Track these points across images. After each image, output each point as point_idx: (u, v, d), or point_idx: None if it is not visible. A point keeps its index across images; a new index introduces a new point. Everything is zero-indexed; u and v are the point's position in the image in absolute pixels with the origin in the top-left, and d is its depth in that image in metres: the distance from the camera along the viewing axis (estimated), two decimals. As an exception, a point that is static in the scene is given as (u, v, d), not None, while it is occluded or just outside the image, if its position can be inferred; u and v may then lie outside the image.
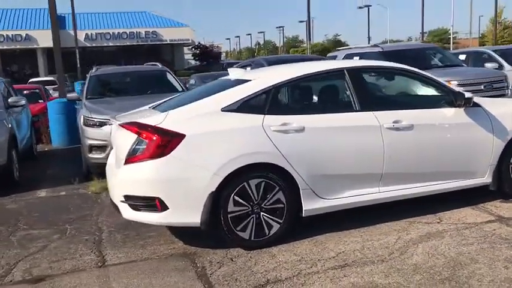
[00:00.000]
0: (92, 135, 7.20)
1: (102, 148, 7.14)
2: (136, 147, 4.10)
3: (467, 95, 4.71)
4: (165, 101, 5.25)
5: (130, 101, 7.98)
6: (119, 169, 4.29)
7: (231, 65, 18.36)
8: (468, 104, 4.69)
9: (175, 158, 3.99)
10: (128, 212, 4.19)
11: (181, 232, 4.60)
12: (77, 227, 5.17)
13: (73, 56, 29.77)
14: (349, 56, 11.56)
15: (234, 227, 4.11)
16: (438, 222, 4.62)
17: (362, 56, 11.02)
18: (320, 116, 4.41)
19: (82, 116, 7.42)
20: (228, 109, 4.23)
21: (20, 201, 6.36)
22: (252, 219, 4.15)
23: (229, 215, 4.08)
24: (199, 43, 48.35)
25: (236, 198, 4.08)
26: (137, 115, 4.62)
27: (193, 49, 48.39)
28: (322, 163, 4.30)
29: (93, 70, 8.89)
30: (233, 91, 4.38)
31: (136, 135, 4.10)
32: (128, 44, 41.38)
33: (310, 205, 4.31)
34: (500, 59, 11.47)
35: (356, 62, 5.28)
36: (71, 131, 9.96)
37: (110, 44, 41.74)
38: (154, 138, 4.01)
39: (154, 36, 41.72)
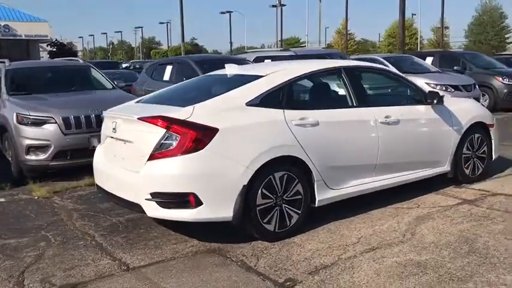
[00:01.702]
0: (30, 135, 6.53)
1: (43, 148, 6.53)
2: (165, 142, 3.94)
3: (441, 93, 5.36)
4: (152, 96, 5.08)
5: (65, 97, 7.46)
6: (137, 165, 4.06)
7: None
8: (441, 102, 5.34)
9: (210, 152, 3.92)
10: (154, 210, 3.99)
11: (186, 230, 4.49)
12: (58, 233, 4.71)
13: None
14: (259, 59, 11.94)
15: (261, 219, 4.16)
16: (418, 207, 5.16)
17: (273, 59, 11.47)
18: (330, 111, 4.68)
19: (14, 114, 6.66)
20: (251, 103, 4.27)
21: (-43, 211, 5.54)
22: (276, 211, 4.24)
23: (257, 208, 4.13)
24: (56, 40, 45.08)
25: (264, 191, 4.15)
26: (143, 109, 4.42)
27: (49, 46, 44.94)
28: (332, 155, 4.57)
29: (7, 64, 7.98)
30: (253, 86, 4.42)
31: (164, 130, 3.94)
32: (-28, 37, 36.89)
33: (321, 195, 4.54)
34: (391, 66, 12.87)
35: (356, 62, 5.64)
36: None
37: (-49, 37, 36.77)
38: (188, 132, 3.89)
39: (7, 30, 37.81)
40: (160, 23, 78.02)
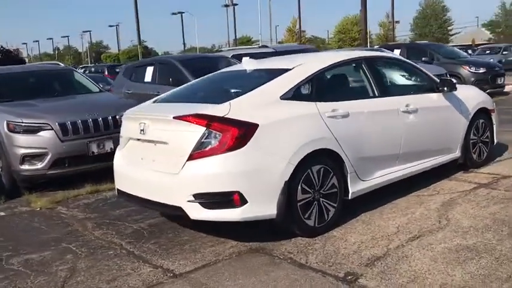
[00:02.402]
0: (24, 143, 6.16)
1: (39, 157, 6.19)
2: (206, 140, 3.79)
3: (454, 80, 5.45)
4: (170, 95, 4.91)
5: (56, 102, 7.13)
6: (174, 167, 3.88)
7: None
8: (454, 89, 5.42)
9: (252, 149, 3.80)
10: (197, 212, 3.83)
11: (217, 231, 4.35)
12: (80, 244, 4.45)
13: None
14: (236, 57, 11.82)
15: (302, 215, 4.08)
16: (438, 193, 5.23)
17: (252, 56, 11.37)
18: (357, 101, 4.65)
19: (5, 122, 6.25)
20: (285, 97, 4.18)
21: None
22: (315, 206, 4.17)
23: (298, 204, 4.05)
24: (1, 47, 43.15)
25: (303, 186, 4.07)
26: (173, 108, 4.24)
27: (-6, 53, 42.97)
28: (362, 146, 4.54)
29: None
30: (284, 79, 4.32)
31: (204, 128, 3.78)
32: None
33: (354, 188, 4.50)
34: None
35: (373, 53, 5.63)
36: None
37: None
38: (230, 129, 3.76)
39: None
40: (110, 25, 76.03)
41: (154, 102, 4.85)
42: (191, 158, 3.82)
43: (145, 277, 3.67)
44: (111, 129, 6.54)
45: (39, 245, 4.49)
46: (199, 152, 3.79)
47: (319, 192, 4.20)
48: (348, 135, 4.40)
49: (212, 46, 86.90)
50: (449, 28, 68.63)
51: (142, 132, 4.19)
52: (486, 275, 3.32)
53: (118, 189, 4.62)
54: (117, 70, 28.69)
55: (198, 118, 3.81)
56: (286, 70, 4.45)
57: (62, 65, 9.53)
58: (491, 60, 17.39)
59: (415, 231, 4.20)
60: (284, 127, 4.02)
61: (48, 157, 6.15)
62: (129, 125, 4.46)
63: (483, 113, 6.04)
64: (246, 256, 3.93)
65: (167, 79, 9.15)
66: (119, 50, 75.03)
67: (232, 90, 4.45)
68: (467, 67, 13.69)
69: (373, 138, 4.66)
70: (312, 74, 4.43)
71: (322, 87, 4.51)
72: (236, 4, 49.16)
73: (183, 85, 5.25)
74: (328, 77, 4.68)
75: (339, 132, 4.31)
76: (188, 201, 3.81)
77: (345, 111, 4.41)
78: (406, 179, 5.20)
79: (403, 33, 78.74)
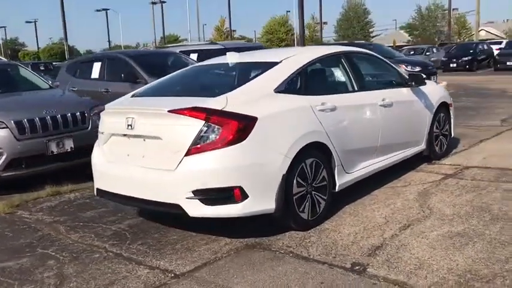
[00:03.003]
0: (-24, 143, 5.66)
1: (-7, 158, 5.70)
2: (204, 134, 3.66)
3: (423, 75, 5.66)
4: (149, 89, 4.71)
5: (7, 98, 6.61)
6: (169, 163, 3.72)
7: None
8: (423, 83, 5.63)
9: (252, 143, 3.73)
10: (197, 209, 3.69)
11: (204, 229, 4.23)
12: (58, 249, 4.15)
13: None
14: (184, 53, 11.60)
15: (297, 208, 4.06)
16: (410, 184, 5.41)
17: (200, 53, 11.24)
18: (341, 95, 4.70)
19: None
20: (278, 90, 4.14)
21: None
22: (308, 200, 4.17)
23: (294, 197, 4.02)
24: None
25: (298, 179, 4.05)
26: (162, 101, 4.06)
27: None
28: (347, 139, 4.60)
29: None
30: (275, 72, 4.27)
31: (203, 122, 3.65)
32: None
33: (340, 180, 4.55)
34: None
35: (351, 48, 5.66)
36: None
37: None
38: (230, 123, 3.66)
39: None
40: (27, 21, 71.94)
41: (133, 96, 4.62)
42: (189, 153, 3.67)
43: (145, 279, 3.49)
44: (71, 127, 6.18)
45: (12, 252, 4.13)
46: (197, 146, 3.66)
47: (311, 185, 4.20)
48: (336, 129, 4.44)
49: (137, 44, 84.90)
50: (370, 30, 71.66)
51: (130, 127, 3.97)
52: (486, 258, 3.46)
53: (98, 189, 4.36)
54: (42, 68, 27.28)
55: (196, 111, 3.68)
56: (275, 63, 4.41)
57: (4, 59, 8.83)
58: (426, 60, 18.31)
59: (404, 220, 4.32)
60: (280, 120, 3.98)
61: (3, 158, 5.71)
62: (112, 120, 4.22)
63: (443, 107, 6.34)
64: (245, 252, 3.84)
65: (118, 75, 8.79)
66: (38, 47, 71.24)
67: (223, 84, 4.35)
68: (404, 66, 14.32)
69: (357, 132, 4.73)
70: (301, 68, 4.42)
71: (310, 81, 4.51)
72: (164, 1, 48.25)
73: (161, 79, 5.04)
74: (315, 70, 4.69)
75: (328, 126, 4.34)
76: (187, 198, 3.66)
77: (332, 104, 4.44)
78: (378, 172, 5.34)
79: (329, 34, 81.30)
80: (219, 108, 3.72)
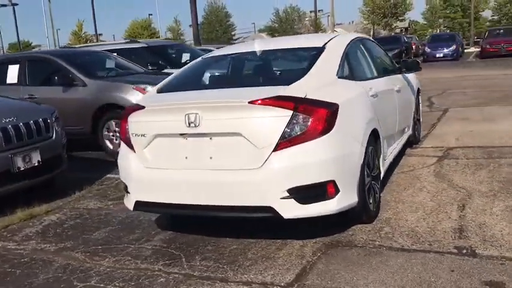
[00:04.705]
0: None
1: None
2: (294, 126, 3.25)
3: (418, 60, 5.76)
4: (170, 84, 4.13)
5: None
6: (251, 161, 3.25)
7: None
8: (419, 69, 5.73)
9: (338, 132, 3.41)
10: (293, 210, 3.28)
11: (245, 233, 3.84)
12: (101, 279, 3.42)
13: None
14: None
15: (368, 199, 3.84)
16: (416, 169, 5.46)
17: (120, 52, 10.35)
18: (375, 81, 4.56)
19: None
20: (339, 76, 3.87)
21: None
22: (371, 189, 3.97)
23: (366, 187, 3.80)
24: None
25: (367, 169, 3.83)
26: (223, 94, 3.54)
27: None
28: (386, 126, 4.50)
29: None
30: (330, 57, 3.97)
31: (291, 112, 3.24)
32: None
33: (383, 168, 4.44)
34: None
35: (357, 34, 5.47)
36: None
37: None
38: (319, 111, 3.30)
39: None
40: None
41: (160, 92, 3.98)
42: (278, 148, 3.24)
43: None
44: (35, 137, 5.19)
45: (42, 292, 3.30)
46: (288, 140, 3.24)
47: (371, 174, 4.01)
48: (380, 115, 4.30)
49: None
50: (232, 33, 73.25)
51: (192, 125, 3.37)
52: None
53: (138, 202, 3.67)
54: None
55: (283, 100, 3.26)
56: (321, 48, 4.11)
57: None
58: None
59: (453, 201, 4.32)
60: (353, 107, 3.74)
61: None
62: (160, 119, 3.55)
63: (418, 92, 6.57)
64: (332, 252, 3.50)
65: (46, 79, 7.71)
66: None
67: (279, 72, 3.93)
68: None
69: (389, 118, 4.67)
70: (343, 53, 4.19)
71: (352, 66, 4.30)
72: (16, 4, 43.92)
73: (178, 73, 4.39)
74: (352, 56, 4.47)
75: (377, 112, 4.18)
76: (281, 198, 3.23)
77: (375, 90, 4.30)
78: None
79: (191, 37, 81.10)
80: (303, 96, 3.34)
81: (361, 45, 4.82)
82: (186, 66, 4.51)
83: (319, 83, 3.65)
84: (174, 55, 10.97)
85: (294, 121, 3.25)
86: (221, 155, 3.38)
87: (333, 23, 50.32)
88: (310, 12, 58.68)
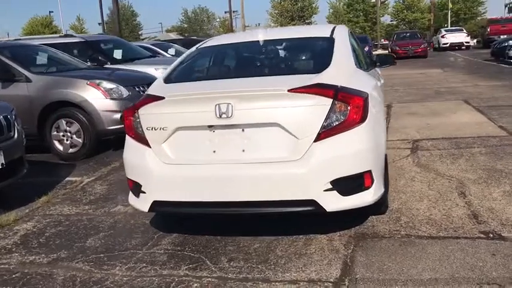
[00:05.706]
0: None
1: None
2: (334, 115, 3.12)
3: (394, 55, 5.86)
4: (179, 74, 3.80)
5: None
6: (291, 152, 3.08)
7: None
8: (394, 63, 5.83)
9: (371, 121, 3.33)
10: (335, 202, 3.14)
11: (263, 229, 3.69)
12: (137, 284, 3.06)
13: None
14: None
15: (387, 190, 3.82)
16: (394, 161, 5.59)
17: (57, 46, 9.55)
18: (371, 72, 4.54)
19: None
20: (357, 66, 3.80)
21: None
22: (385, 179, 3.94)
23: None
24: None
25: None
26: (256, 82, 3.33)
27: None
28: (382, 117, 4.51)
29: None
30: (343, 47, 3.87)
31: (331, 100, 3.10)
32: None
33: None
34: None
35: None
36: None
37: None
38: (356, 100, 3.19)
39: None
40: None
41: (169, 82, 3.65)
42: (319, 138, 3.09)
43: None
44: (-3, 137, 4.59)
45: None
46: (329, 129, 3.10)
47: (385, 164, 4.00)
48: (382, 106, 4.31)
49: None
50: (140, 32, 71.47)
51: (223, 115, 3.10)
52: None
53: (156, 201, 3.33)
54: None
55: (323, 88, 3.11)
56: (330, 39, 4.01)
57: None
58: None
59: (451, 190, 4.44)
60: (376, 96, 3.67)
61: None
62: (185, 110, 3.22)
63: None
64: (364, 244, 3.41)
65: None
66: None
67: (299, 61, 3.76)
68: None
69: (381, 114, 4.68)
70: (350, 43, 4.14)
71: (358, 57, 4.24)
72: None
73: (184, 62, 4.02)
74: (354, 47, 4.40)
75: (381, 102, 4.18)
76: (325, 190, 3.08)
77: (379, 82, 4.30)
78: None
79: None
80: (338, 85, 3.23)
81: (352, 38, 4.80)
82: (184, 56, 4.17)
83: (344, 72, 3.55)
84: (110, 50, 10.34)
85: (334, 110, 3.13)
86: (255, 147, 3.16)
87: (243, 25, 50.91)
88: (225, 13, 58.90)
